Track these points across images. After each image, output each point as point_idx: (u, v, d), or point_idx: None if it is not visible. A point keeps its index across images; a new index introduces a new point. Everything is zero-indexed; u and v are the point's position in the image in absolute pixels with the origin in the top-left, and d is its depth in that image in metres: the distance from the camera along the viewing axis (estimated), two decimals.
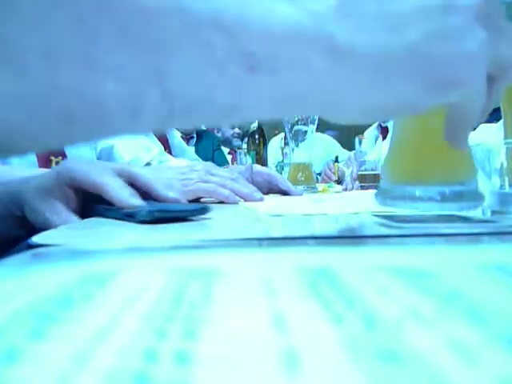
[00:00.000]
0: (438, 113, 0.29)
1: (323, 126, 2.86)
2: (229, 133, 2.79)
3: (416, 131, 0.30)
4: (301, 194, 0.75)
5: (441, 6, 0.19)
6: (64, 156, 0.75)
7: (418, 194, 0.28)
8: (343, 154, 2.46)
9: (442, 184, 0.28)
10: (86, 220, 0.36)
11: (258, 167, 0.81)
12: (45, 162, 0.71)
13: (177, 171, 0.60)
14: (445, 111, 0.29)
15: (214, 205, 0.54)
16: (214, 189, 0.56)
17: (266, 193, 0.75)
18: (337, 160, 1.58)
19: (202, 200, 0.58)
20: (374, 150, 1.04)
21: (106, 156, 0.91)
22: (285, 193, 0.75)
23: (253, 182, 0.73)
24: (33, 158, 0.70)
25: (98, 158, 0.90)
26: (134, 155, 0.94)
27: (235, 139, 2.77)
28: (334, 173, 1.47)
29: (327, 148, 2.61)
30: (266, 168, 0.88)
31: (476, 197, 0.28)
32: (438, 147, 0.28)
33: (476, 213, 0.31)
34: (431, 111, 0.29)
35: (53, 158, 0.73)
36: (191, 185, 0.57)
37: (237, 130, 2.80)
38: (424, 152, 0.28)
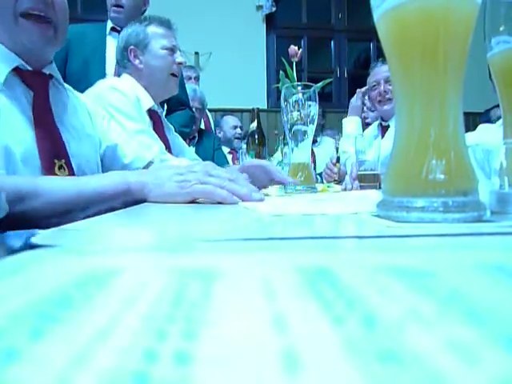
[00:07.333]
0: (438, 124, 0.29)
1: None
2: (230, 133, 2.79)
3: (418, 143, 0.30)
4: (297, 184, 0.77)
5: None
6: (67, 158, 0.75)
7: (421, 205, 0.28)
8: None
9: (445, 195, 0.28)
10: (86, 220, 0.36)
11: (250, 160, 0.83)
12: (49, 165, 0.72)
13: (175, 172, 0.60)
14: (444, 121, 0.29)
15: (213, 205, 0.54)
16: (211, 190, 0.56)
17: (267, 185, 0.77)
18: (338, 160, 1.58)
19: (199, 201, 0.58)
20: (373, 149, 1.03)
21: (111, 153, 0.91)
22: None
23: (254, 176, 0.74)
24: (37, 161, 0.70)
25: (101, 157, 0.90)
26: (137, 154, 0.94)
27: (236, 140, 2.77)
28: (335, 165, 1.51)
29: (328, 148, 2.61)
30: (258, 160, 0.89)
31: (479, 207, 0.28)
32: (441, 158, 0.29)
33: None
34: (431, 123, 0.29)
35: (56, 161, 0.73)
36: (188, 187, 0.57)
37: (238, 131, 2.80)
38: (427, 163, 0.28)
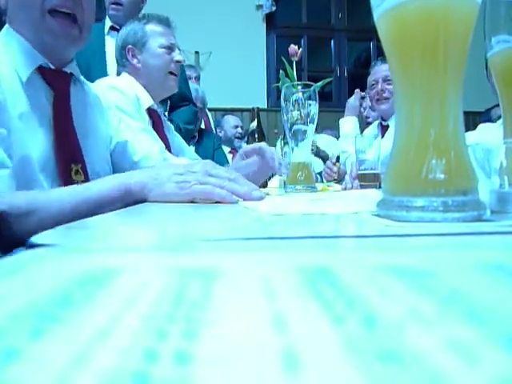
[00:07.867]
0: (438, 124, 0.29)
1: (322, 126, 2.86)
2: (231, 133, 2.79)
3: (418, 142, 0.30)
4: (285, 173, 0.79)
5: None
6: (83, 162, 0.75)
7: (421, 204, 0.28)
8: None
9: (445, 194, 0.28)
10: (86, 219, 0.36)
11: (247, 146, 0.84)
12: (65, 170, 0.71)
13: (174, 172, 0.60)
14: (444, 121, 0.29)
15: (214, 204, 0.54)
16: (210, 190, 0.56)
17: (270, 172, 0.80)
18: (338, 160, 1.58)
19: (198, 200, 0.58)
20: (373, 148, 1.04)
21: (121, 149, 0.91)
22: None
23: (256, 163, 0.75)
24: (53, 166, 0.69)
25: (111, 153, 0.89)
26: (145, 152, 0.95)
27: (237, 140, 2.77)
28: (334, 164, 1.52)
29: (328, 147, 2.61)
30: (255, 144, 0.90)
31: (479, 206, 0.28)
32: (441, 158, 0.29)
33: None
34: (431, 123, 0.29)
35: (73, 165, 0.72)
36: (188, 188, 0.57)
37: (239, 130, 2.80)
38: (426, 163, 0.28)
